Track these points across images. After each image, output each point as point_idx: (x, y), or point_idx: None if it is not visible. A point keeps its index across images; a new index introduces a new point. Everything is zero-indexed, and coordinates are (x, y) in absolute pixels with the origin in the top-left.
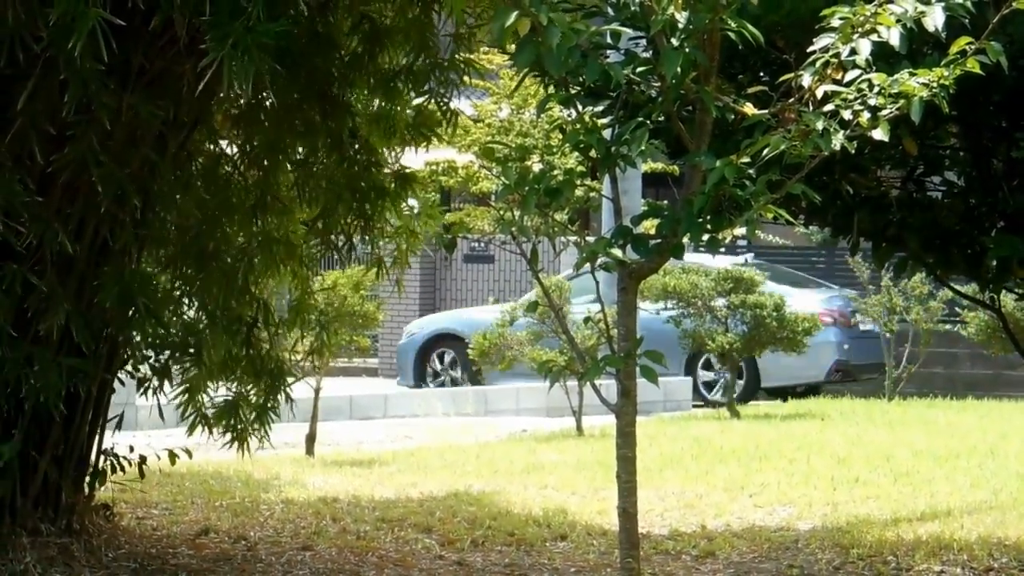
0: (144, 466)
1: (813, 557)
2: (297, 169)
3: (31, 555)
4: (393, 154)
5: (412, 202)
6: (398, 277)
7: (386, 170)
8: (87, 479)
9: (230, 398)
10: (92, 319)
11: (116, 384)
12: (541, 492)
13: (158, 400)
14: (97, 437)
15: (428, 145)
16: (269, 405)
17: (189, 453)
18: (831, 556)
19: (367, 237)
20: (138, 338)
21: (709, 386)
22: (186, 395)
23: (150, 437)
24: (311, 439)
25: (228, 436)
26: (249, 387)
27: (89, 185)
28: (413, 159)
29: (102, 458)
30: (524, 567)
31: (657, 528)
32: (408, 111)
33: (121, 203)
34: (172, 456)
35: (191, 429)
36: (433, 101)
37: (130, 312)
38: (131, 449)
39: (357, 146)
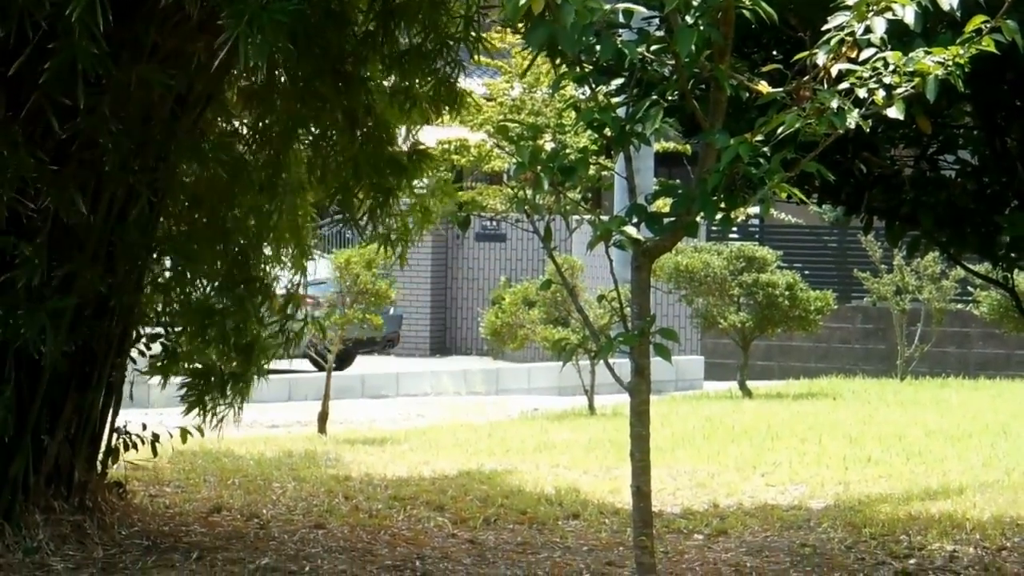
0: (157, 444)
1: (825, 536)
2: (311, 147)
3: (44, 532)
4: (409, 131)
5: (424, 180)
6: (402, 253)
7: (403, 146)
8: (100, 457)
9: (200, 368)
10: (107, 298)
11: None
12: (553, 471)
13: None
14: (110, 415)
15: (443, 120)
16: (242, 379)
17: (201, 431)
18: (843, 535)
19: (383, 213)
20: (148, 313)
21: None
22: (166, 369)
23: (162, 415)
24: (323, 418)
25: (193, 405)
26: (223, 360)
27: (103, 159)
28: (424, 137)
29: (115, 436)
30: (536, 545)
31: (669, 507)
32: (425, 87)
33: (136, 176)
34: (184, 433)
35: (188, 410)
36: (441, 80)
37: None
38: (144, 427)
39: (372, 122)
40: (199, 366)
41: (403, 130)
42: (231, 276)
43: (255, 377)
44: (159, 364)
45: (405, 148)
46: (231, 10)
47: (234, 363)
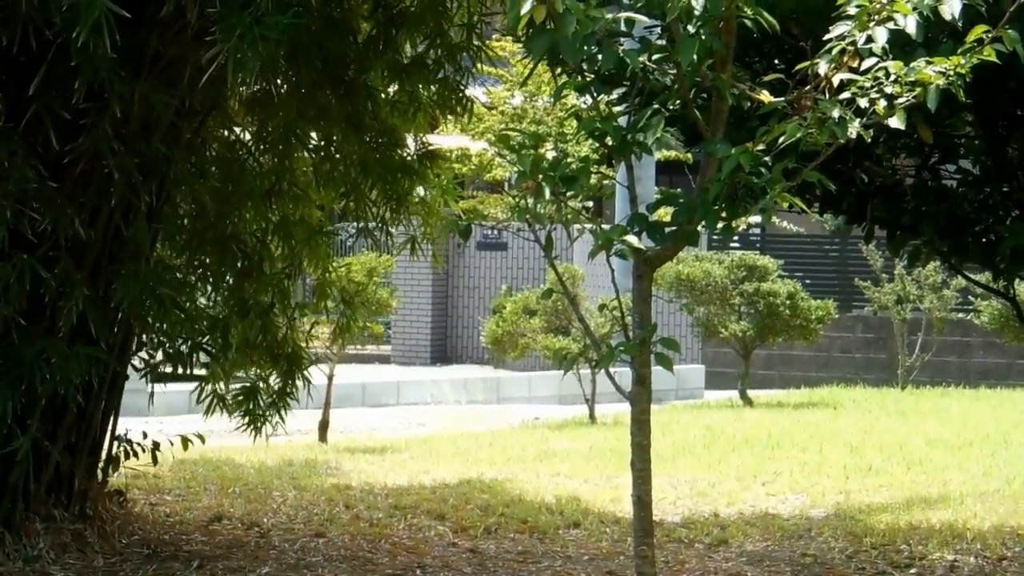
0: (157, 452)
1: (826, 545)
2: (314, 153)
3: (44, 541)
4: (415, 135)
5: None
6: (434, 251)
7: (410, 149)
8: (100, 465)
9: (249, 384)
10: (107, 307)
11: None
12: (554, 480)
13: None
14: (111, 423)
15: (446, 128)
16: (287, 390)
17: (202, 439)
18: (844, 544)
19: (400, 217)
20: (161, 326)
21: None
22: (205, 381)
23: (162, 423)
24: (324, 426)
25: (245, 421)
26: (267, 372)
27: (103, 172)
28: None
29: (115, 444)
30: (537, 554)
31: (670, 516)
32: (430, 94)
33: (136, 190)
34: (185, 442)
35: (208, 411)
36: (446, 89)
37: (148, 303)
38: (144, 435)
39: (378, 128)
40: (247, 384)
41: (410, 135)
42: (238, 283)
43: (299, 387)
44: (202, 377)
45: (413, 153)
46: (222, 25)
47: (278, 377)
